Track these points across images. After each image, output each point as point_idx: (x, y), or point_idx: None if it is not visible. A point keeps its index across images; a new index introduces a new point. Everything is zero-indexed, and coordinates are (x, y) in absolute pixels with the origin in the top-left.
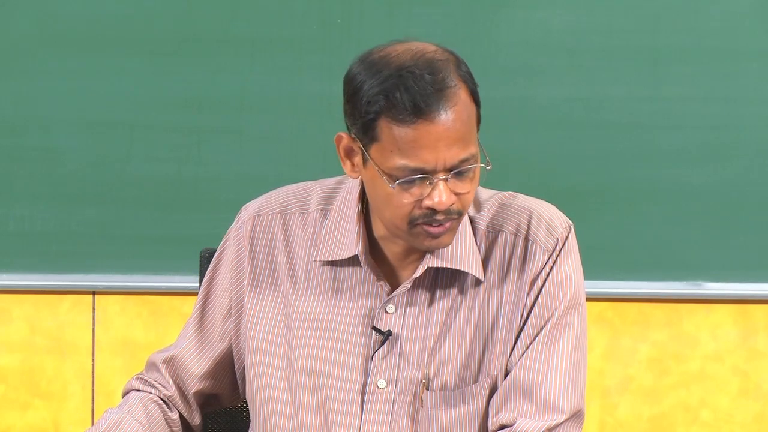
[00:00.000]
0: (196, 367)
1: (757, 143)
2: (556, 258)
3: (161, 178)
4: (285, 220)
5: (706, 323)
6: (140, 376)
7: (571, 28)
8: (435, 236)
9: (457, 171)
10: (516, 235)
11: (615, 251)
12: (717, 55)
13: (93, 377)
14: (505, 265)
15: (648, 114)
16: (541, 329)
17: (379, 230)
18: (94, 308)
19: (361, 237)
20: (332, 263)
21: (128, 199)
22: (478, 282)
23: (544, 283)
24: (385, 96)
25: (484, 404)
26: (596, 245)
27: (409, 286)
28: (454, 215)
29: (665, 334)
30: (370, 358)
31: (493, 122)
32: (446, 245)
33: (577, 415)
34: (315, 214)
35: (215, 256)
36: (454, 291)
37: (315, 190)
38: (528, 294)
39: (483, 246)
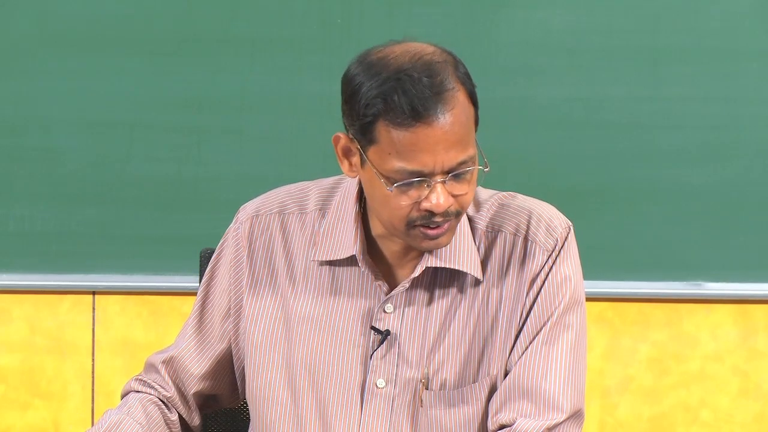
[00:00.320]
0: (196, 367)
1: (757, 143)
2: (556, 258)
3: (161, 178)
4: (283, 221)
5: (706, 323)
6: (139, 377)
7: (571, 28)
8: (433, 237)
9: (455, 173)
10: (515, 235)
11: (615, 251)
12: (717, 55)
13: (93, 377)
14: (505, 264)
15: (648, 114)
16: (541, 329)
17: (377, 229)
18: (94, 308)
19: (359, 237)
20: (330, 263)
21: (128, 199)
22: (477, 282)
23: (544, 283)
24: (383, 99)
25: (484, 404)
26: (596, 245)
27: (407, 285)
28: (451, 216)
29: (665, 334)
30: (368, 357)
31: (493, 122)
32: (444, 245)
33: (577, 415)
34: (313, 214)
35: (214, 256)
36: (452, 291)
37: (313, 190)
38: (527, 294)
39: (482, 246)
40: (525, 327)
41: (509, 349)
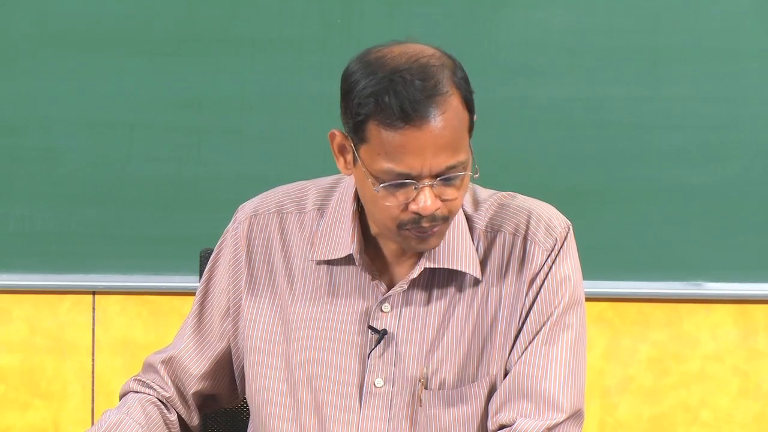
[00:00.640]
0: (195, 367)
1: (757, 143)
2: (555, 258)
3: (161, 178)
4: (281, 220)
5: (706, 323)
6: (137, 377)
7: (571, 28)
8: (422, 239)
9: (443, 177)
10: (515, 234)
11: (615, 251)
12: (717, 55)
13: (93, 377)
14: (504, 264)
15: (648, 114)
16: (541, 329)
17: (375, 227)
18: (94, 308)
19: (356, 236)
20: (328, 263)
21: (128, 199)
22: (475, 281)
23: (543, 282)
24: (375, 99)
25: (483, 404)
26: (596, 245)
27: (405, 286)
28: (439, 221)
29: (665, 334)
30: (366, 357)
31: (493, 122)
32: (434, 246)
33: (576, 415)
34: (312, 214)
35: (212, 255)
36: (451, 290)
37: (311, 189)
38: (527, 293)
39: (482, 246)
40: (525, 327)
41: (509, 349)
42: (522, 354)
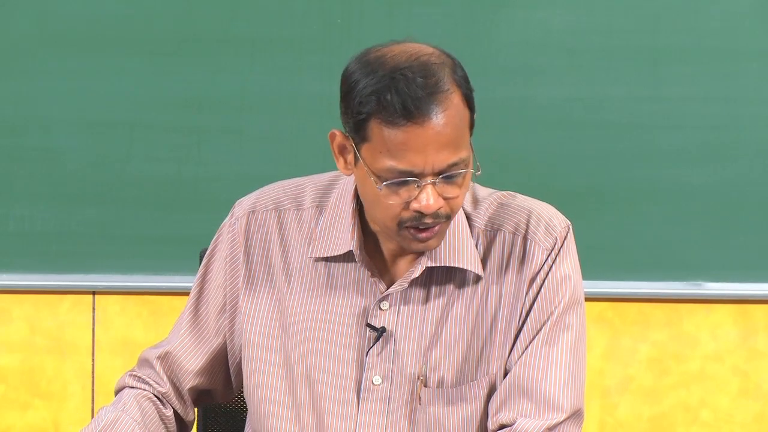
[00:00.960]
0: (191, 363)
1: (757, 143)
2: (555, 257)
3: (161, 178)
4: (280, 217)
5: (706, 323)
6: (133, 372)
7: (571, 28)
8: (422, 240)
9: (446, 175)
10: (515, 234)
11: (615, 251)
12: (717, 55)
13: (93, 377)
14: (504, 263)
15: (648, 114)
16: (541, 328)
17: (374, 226)
18: (94, 308)
19: (356, 233)
20: (327, 260)
21: (128, 199)
22: (475, 279)
23: (543, 282)
24: (376, 97)
25: (483, 403)
26: (596, 245)
27: (405, 285)
28: (442, 219)
29: (665, 334)
30: (365, 354)
31: (493, 122)
32: (433, 248)
33: (576, 415)
34: (310, 211)
35: (208, 251)
36: (449, 288)
37: (308, 186)
38: (527, 293)
39: (481, 244)
40: (525, 326)
41: (509, 349)
42: (522, 354)
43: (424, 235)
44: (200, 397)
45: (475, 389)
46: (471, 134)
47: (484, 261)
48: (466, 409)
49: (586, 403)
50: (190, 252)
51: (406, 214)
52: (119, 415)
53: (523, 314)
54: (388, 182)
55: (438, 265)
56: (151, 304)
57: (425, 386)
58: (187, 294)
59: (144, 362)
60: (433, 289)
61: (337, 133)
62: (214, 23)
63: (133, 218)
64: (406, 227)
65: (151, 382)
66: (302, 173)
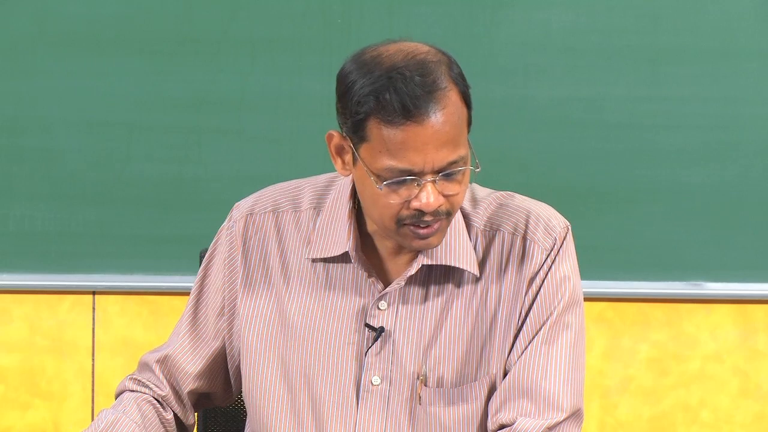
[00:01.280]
0: (190, 366)
1: (757, 143)
2: (555, 257)
3: (161, 178)
4: (277, 219)
5: (706, 323)
6: (133, 376)
7: (571, 28)
8: (423, 237)
9: (445, 173)
10: (514, 234)
11: (615, 251)
12: (717, 55)
13: (93, 377)
14: (503, 263)
15: (648, 114)
16: (540, 328)
17: (371, 225)
18: (94, 308)
19: (352, 233)
20: (325, 261)
21: (128, 199)
22: (473, 279)
23: (543, 282)
24: (374, 96)
25: (483, 403)
26: (596, 245)
27: (402, 283)
28: (442, 216)
29: (665, 334)
30: (363, 354)
31: (493, 122)
32: (435, 246)
33: (576, 414)
34: (308, 213)
35: (207, 254)
36: (448, 287)
37: (306, 188)
38: (526, 293)
39: (480, 245)
40: (524, 326)
41: (508, 348)
42: (522, 353)
43: (424, 232)
44: (200, 400)
45: (476, 389)
46: (469, 131)
47: (483, 261)
48: (467, 409)
49: (586, 403)
50: (190, 252)
51: (405, 213)
52: (119, 417)
53: (523, 314)
54: (388, 182)
55: (434, 263)
56: (151, 304)
57: (425, 385)
58: (187, 294)
59: (144, 366)
60: (432, 289)
61: (335, 134)
62: (214, 23)
63: (133, 218)
64: (405, 224)
65: (151, 386)
66: (302, 173)
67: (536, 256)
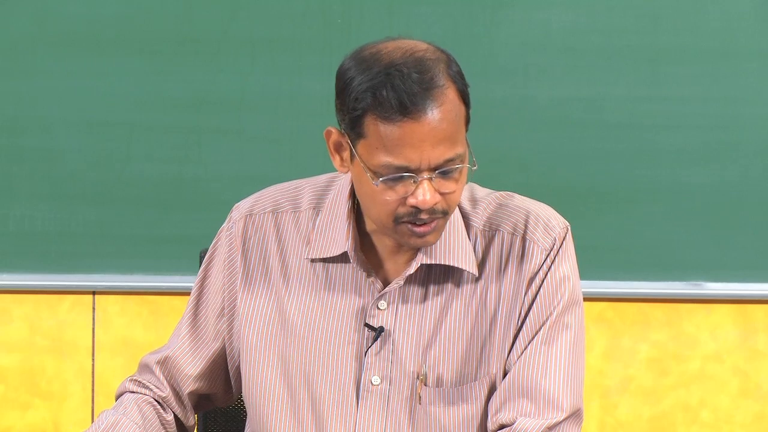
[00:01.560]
0: (191, 367)
1: (757, 143)
2: (554, 258)
3: (161, 178)
4: (277, 219)
5: (706, 323)
6: (133, 377)
7: (571, 28)
8: (420, 235)
9: (442, 170)
10: (513, 234)
11: (615, 251)
12: (717, 55)
13: (93, 377)
14: (503, 263)
15: (648, 114)
16: (540, 328)
17: (370, 224)
18: (94, 308)
19: (351, 233)
20: (324, 260)
21: (128, 199)
22: (473, 279)
23: (543, 282)
24: (372, 93)
25: (483, 403)
26: (596, 245)
27: (401, 283)
28: (438, 214)
29: (665, 334)
30: (363, 354)
31: (493, 122)
32: (432, 243)
33: (576, 414)
34: (307, 213)
35: (207, 255)
36: (448, 287)
37: (306, 188)
38: (526, 293)
39: (479, 244)
40: (524, 326)
41: (508, 348)
42: (521, 353)
43: (421, 230)
44: (200, 401)
45: (477, 389)
46: (467, 130)
47: (482, 261)
48: (467, 409)
49: (586, 403)
50: (190, 252)
51: (402, 210)
52: (119, 418)
53: (522, 314)
54: (385, 178)
55: (433, 262)
56: (151, 304)
57: (425, 385)
58: (187, 294)
59: (144, 367)
60: (431, 288)
61: (333, 130)
62: (214, 23)
63: (133, 218)
64: (402, 222)
65: (152, 387)
66: (302, 173)
67: (536, 256)
